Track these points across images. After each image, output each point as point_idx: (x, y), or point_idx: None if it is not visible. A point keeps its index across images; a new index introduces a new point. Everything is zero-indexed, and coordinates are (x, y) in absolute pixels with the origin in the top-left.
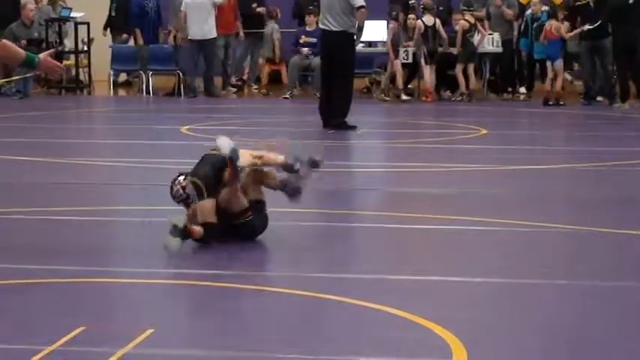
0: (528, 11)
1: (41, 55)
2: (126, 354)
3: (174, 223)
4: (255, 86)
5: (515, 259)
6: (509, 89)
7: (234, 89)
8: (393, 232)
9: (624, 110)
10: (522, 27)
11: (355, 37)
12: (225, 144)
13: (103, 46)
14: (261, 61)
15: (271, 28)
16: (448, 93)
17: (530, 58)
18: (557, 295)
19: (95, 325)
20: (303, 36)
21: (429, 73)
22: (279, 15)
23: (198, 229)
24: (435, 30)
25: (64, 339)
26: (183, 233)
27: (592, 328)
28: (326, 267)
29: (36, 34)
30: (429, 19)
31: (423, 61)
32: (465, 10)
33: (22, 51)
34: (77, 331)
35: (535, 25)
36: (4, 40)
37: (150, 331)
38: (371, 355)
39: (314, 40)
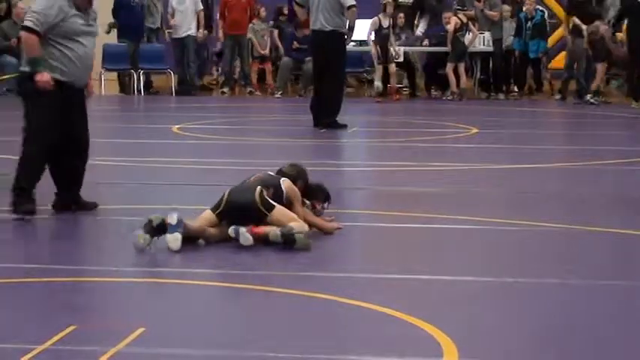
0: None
1: None
2: (117, 353)
3: (169, 221)
4: (250, 88)
5: (507, 258)
6: (504, 88)
7: (226, 88)
8: (384, 231)
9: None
10: (515, 26)
11: (346, 36)
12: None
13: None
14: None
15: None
16: (439, 92)
17: (523, 57)
18: (549, 293)
19: (86, 324)
20: (295, 42)
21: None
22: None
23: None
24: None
25: (55, 338)
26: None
27: (584, 327)
28: (317, 266)
29: None
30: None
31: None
32: (457, 9)
33: None
34: (68, 330)
35: (529, 24)
36: None
37: (141, 329)
38: (362, 353)
39: (304, 46)
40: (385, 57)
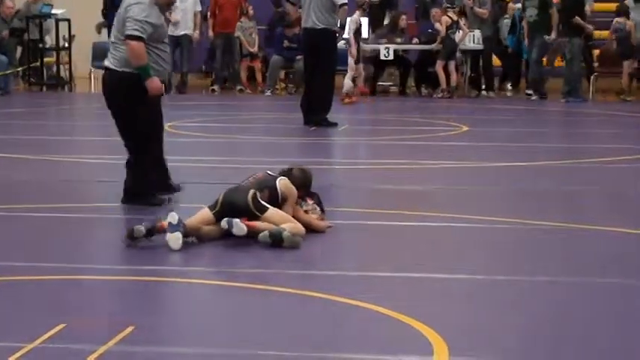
0: (517, 6)
1: None
2: (106, 351)
3: (169, 220)
4: (240, 87)
5: (497, 256)
6: (501, 85)
7: (216, 86)
8: (375, 229)
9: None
10: (510, 24)
11: (337, 34)
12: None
13: (84, 43)
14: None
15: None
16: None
17: (516, 55)
18: (540, 291)
19: (76, 322)
20: (286, 41)
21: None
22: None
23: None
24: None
25: (45, 336)
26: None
27: (576, 325)
28: (309, 265)
29: (17, 26)
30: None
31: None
32: (447, 7)
33: None
34: (58, 328)
35: (523, 22)
36: None
37: (131, 328)
38: (353, 351)
39: (295, 45)
40: (359, 56)
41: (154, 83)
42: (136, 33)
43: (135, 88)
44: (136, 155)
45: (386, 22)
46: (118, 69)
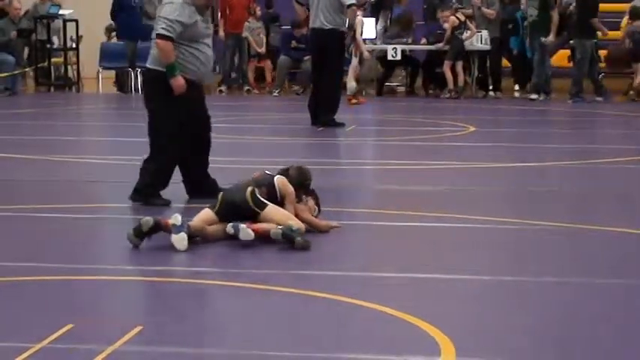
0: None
1: None
2: (114, 351)
3: (173, 222)
4: (247, 87)
5: (504, 257)
6: (517, 87)
7: (224, 86)
8: (382, 230)
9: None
10: (512, 25)
11: (345, 35)
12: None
13: (92, 43)
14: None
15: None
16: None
17: (521, 56)
18: (547, 292)
19: (83, 323)
20: (293, 41)
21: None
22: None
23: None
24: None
25: (52, 336)
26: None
27: (582, 325)
28: (315, 265)
29: (25, 27)
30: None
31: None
32: (458, 7)
33: None
34: (65, 328)
35: (525, 23)
36: None
37: (139, 328)
38: (359, 352)
39: (303, 46)
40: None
41: (178, 82)
42: (164, 32)
43: (162, 86)
44: (153, 154)
45: (380, 21)
46: (150, 66)
